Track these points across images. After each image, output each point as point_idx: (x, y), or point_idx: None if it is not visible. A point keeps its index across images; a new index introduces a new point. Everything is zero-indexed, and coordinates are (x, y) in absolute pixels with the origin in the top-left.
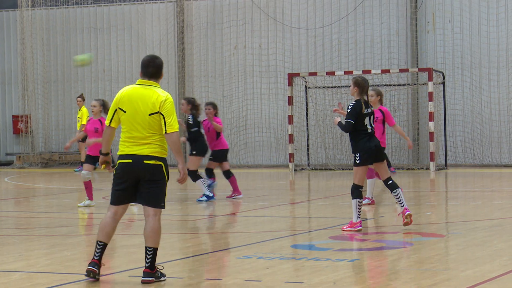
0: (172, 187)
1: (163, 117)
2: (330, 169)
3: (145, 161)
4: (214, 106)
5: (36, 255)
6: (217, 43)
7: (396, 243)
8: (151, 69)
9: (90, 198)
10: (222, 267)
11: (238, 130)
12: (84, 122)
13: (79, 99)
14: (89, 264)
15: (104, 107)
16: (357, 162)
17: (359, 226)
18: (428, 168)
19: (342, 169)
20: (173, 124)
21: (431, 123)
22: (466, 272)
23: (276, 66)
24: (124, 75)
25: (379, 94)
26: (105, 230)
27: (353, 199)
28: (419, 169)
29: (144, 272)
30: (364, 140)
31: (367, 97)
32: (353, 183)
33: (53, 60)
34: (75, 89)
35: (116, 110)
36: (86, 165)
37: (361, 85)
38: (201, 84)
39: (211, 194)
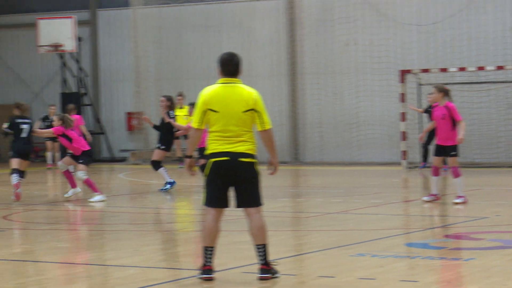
0: (284, 184)
1: (258, 114)
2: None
3: (240, 159)
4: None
5: (150, 251)
6: (328, 40)
7: None
8: (231, 67)
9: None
10: (335, 265)
11: (350, 127)
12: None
13: (179, 97)
14: (204, 272)
15: None
16: None
17: None
18: None
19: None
20: (268, 121)
21: None
22: None
23: (388, 63)
24: None
25: (442, 90)
26: (212, 235)
27: None
28: None
29: (260, 269)
30: None
31: None
32: None
33: (164, 57)
34: (187, 86)
35: (204, 111)
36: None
37: None
38: (312, 81)
39: (172, 180)
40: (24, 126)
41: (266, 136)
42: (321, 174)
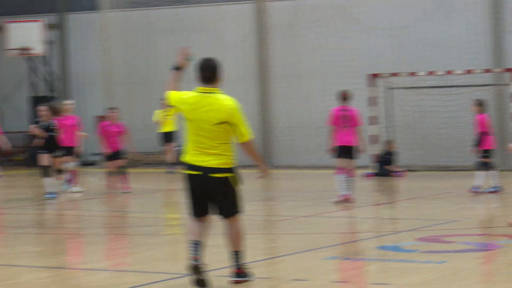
0: (256, 187)
1: (235, 127)
2: (413, 170)
3: (210, 175)
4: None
5: (122, 254)
6: (297, 44)
7: (484, 245)
8: (206, 73)
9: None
10: (308, 268)
11: (319, 130)
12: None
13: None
14: (194, 259)
15: None
16: None
17: None
18: None
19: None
20: (247, 132)
21: None
22: None
23: (356, 67)
24: None
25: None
26: (195, 231)
27: None
28: (504, 170)
29: (234, 273)
30: None
31: None
32: None
33: (134, 61)
34: (158, 91)
35: (180, 105)
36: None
37: None
38: (281, 85)
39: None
40: None
41: (247, 147)
42: (291, 177)
